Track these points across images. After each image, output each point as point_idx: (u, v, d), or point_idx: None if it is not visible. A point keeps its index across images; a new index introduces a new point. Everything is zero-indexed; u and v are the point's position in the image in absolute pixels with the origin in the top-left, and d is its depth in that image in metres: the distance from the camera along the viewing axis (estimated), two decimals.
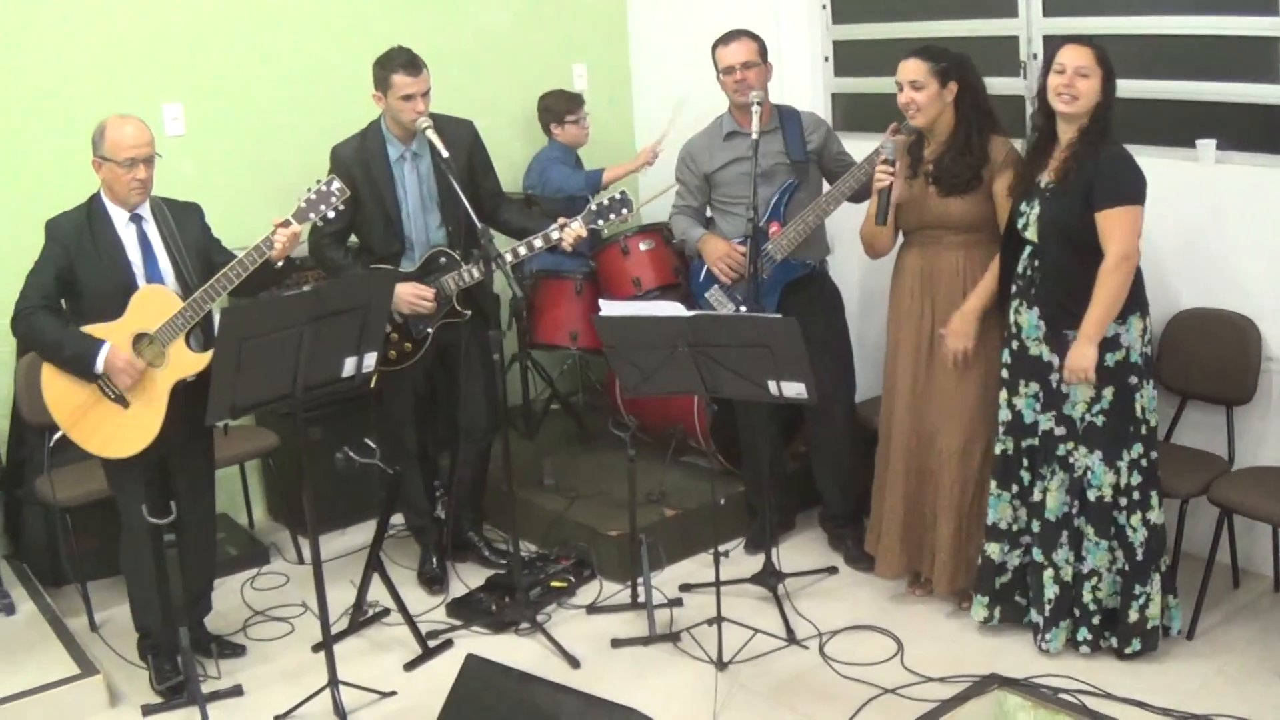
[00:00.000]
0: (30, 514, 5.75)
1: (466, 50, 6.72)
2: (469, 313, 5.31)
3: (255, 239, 4.50)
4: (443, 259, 5.27)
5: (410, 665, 4.88)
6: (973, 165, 4.70)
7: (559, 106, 6.68)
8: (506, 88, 6.90)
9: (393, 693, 4.66)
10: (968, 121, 4.73)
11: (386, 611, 5.24)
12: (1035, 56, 5.53)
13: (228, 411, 4.24)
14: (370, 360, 4.45)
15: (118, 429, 4.49)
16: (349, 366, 4.38)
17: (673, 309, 4.49)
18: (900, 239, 5.03)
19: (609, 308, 4.62)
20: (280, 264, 4.54)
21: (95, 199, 4.56)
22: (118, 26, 5.90)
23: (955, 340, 4.75)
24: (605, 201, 5.10)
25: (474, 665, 3.95)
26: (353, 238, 5.38)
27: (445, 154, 4.97)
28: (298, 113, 6.36)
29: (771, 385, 4.39)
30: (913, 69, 4.70)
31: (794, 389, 4.36)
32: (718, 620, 4.76)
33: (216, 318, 4.47)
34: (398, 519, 5.84)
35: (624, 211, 5.10)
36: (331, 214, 4.60)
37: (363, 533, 6.08)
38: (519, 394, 6.85)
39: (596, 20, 7.41)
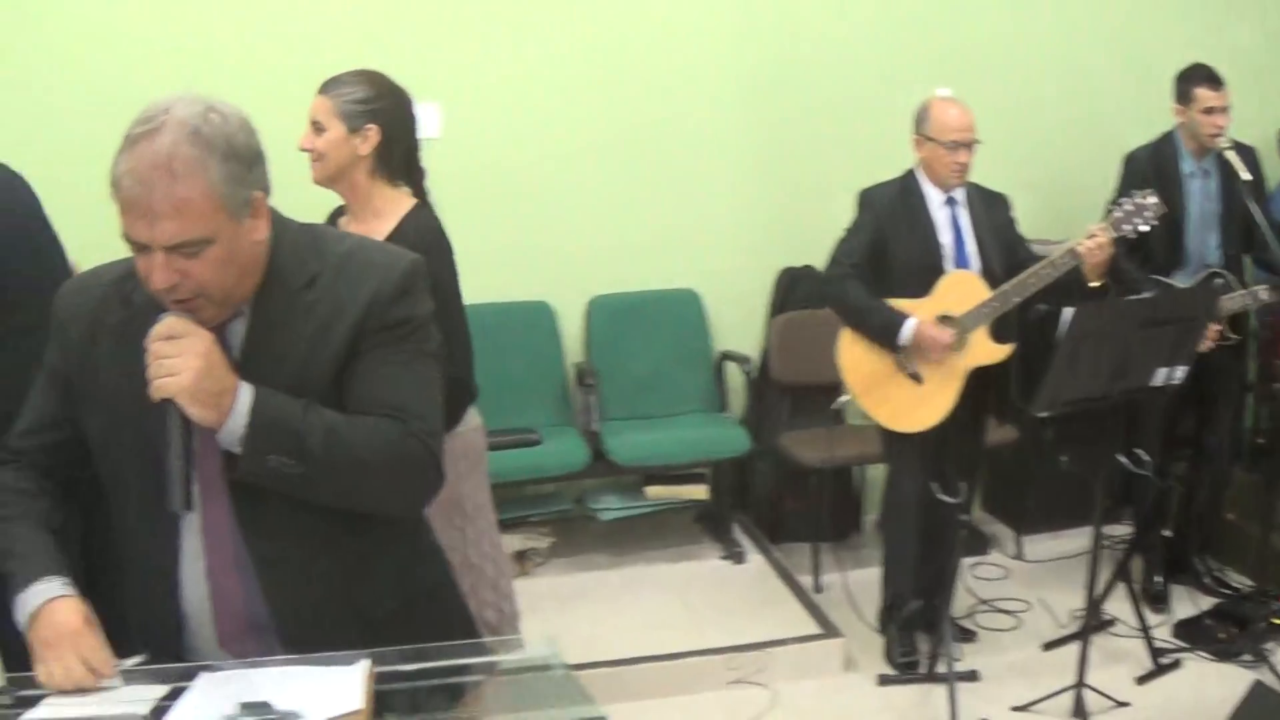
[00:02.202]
0: (759, 469, 6.32)
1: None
2: (1238, 337, 5.41)
3: None
4: (1218, 280, 5.38)
5: (1142, 679, 5.04)
6: None
7: None
8: (1252, 109, 6.87)
9: (1126, 703, 4.83)
10: None
11: (1112, 621, 5.45)
12: None
13: (1052, 404, 4.49)
14: (1179, 374, 4.57)
15: (908, 404, 4.87)
16: (1160, 376, 4.56)
17: None
18: None
19: None
20: (1098, 283, 4.73)
21: (910, 176, 4.94)
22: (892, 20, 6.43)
23: None
24: None
25: (1260, 691, 4.11)
26: None
27: (1248, 176, 5.10)
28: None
29: None
30: None
31: None
32: None
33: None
34: (1115, 530, 6.00)
35: None
36: (1145, 228, 4.73)
37: (1076, 538, 6.31)
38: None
39: None
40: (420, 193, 3.80)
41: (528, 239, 6.14)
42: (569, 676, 2.22)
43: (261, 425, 2.15)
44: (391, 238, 3.62)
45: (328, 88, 3.68)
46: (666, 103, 6.24)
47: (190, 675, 2.20)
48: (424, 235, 3.64)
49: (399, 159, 3.74)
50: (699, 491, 6.05)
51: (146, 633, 2.40)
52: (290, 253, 2.30)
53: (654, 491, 6.03)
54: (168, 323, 2.14)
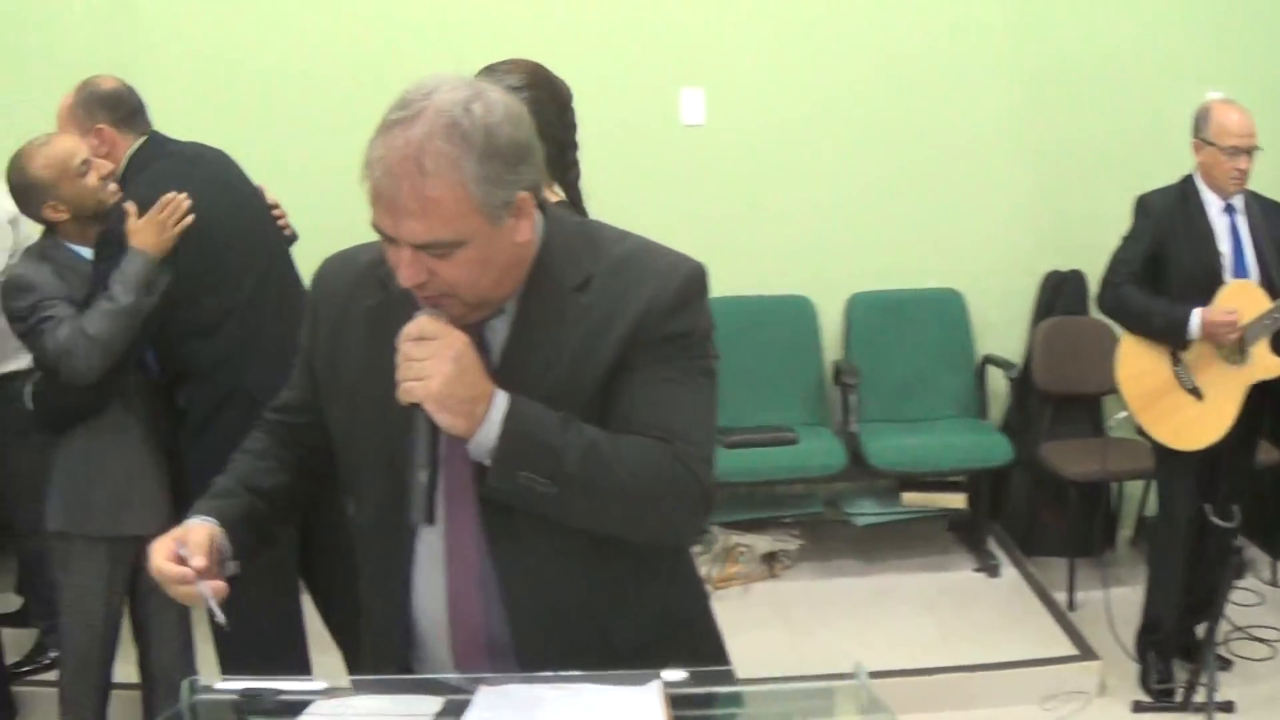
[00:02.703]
0: (1015, 479, 6.23)
1: None
2: None
3: None
4: None
5: None
6: None
7: None
8: None
9: None
10: None
11: None
12: None
13: None
14: None
15: (1188, 421, 4.77)
16: None
17: None
18: None
19: None
20: None
21: (1188, 181, 4.84)
22: None
23: None
24: None
25: None
26: None
27: None
28: None
29: None
30: None
31: None
32: None
33: None
34: None
35: None
36: None
37: None
38: None
39: None
40: (573, 194, 3.53)
41: (789, 230, 6.18)
42: (871, 697, 2.09)
43: (514, 439, 1.99)
44: None
45: (479, 77, 3.46)
46: (936, 97, 6.22)
47: (458, 689, 2.10)
48: None
49: (550, 157, 3.30)
50: (957, 500, 6.00)
51: (379, 640, 2.33)
52: (562, 252, 2.13)
53: (910, 498, 6.00)
54: (419, 322, 2.02)
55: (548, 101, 3.37)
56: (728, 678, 2.22)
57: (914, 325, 6.23)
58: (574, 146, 3.52)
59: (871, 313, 6.25)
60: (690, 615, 2.38)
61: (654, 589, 2.26)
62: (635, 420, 2.07)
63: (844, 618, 5.47)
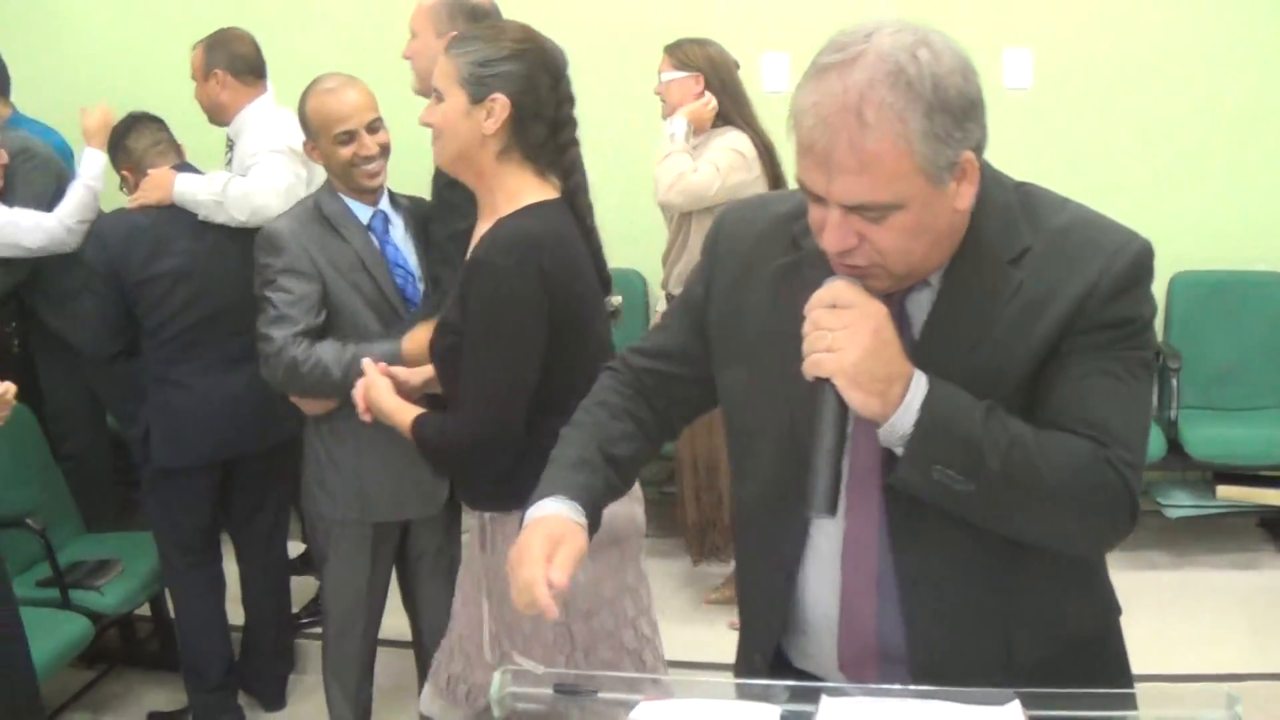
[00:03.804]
0: None
1: None
2: None
3: None
4: None
5: None
6: None
7: None
8: None
9: None
10: None
11: None
12: None
13: None
14: None
15: None
16: None
17: None
18: None
19: None
20: None
21: None
22: None
23: None
24: None
25: None
26: None
27: None
28: None
29: None
30: None
31: None
32: None
33: None
34: None
35: None
36: None
37: None
38: None
39: None
40: (574, 180, 3.02)
41: (1114, 203, 5.72)
42: None
43: (931, 427, 1.83)
44: (476, 246, 2.91)
45: (453, 44, 2.92)
46: (1270, 70, 5.96)
47: (799, 696, 1.92)
48: (505, 245, 2.80)
49: (541, 140, 2.94)
50: (1274, 496, 5.75)
51: (754, 626, 2.22)
52: (999, 219, 1.95)
53: (1226, 492, 5.76)
54: (834, 288, 1.86)
55: (540, 73, 2.90)
56: (1122, 702, 1.94)
57: (1236, 309, 6.03)
58: (572, 124, 3.01)
59: (1194, 294, 6.06)
60: (1097, 631, 2.18)
61: (1063, 601, 2.08)
62: (1066, 415, 1.89)
63: (1149, 612, 5.25)
